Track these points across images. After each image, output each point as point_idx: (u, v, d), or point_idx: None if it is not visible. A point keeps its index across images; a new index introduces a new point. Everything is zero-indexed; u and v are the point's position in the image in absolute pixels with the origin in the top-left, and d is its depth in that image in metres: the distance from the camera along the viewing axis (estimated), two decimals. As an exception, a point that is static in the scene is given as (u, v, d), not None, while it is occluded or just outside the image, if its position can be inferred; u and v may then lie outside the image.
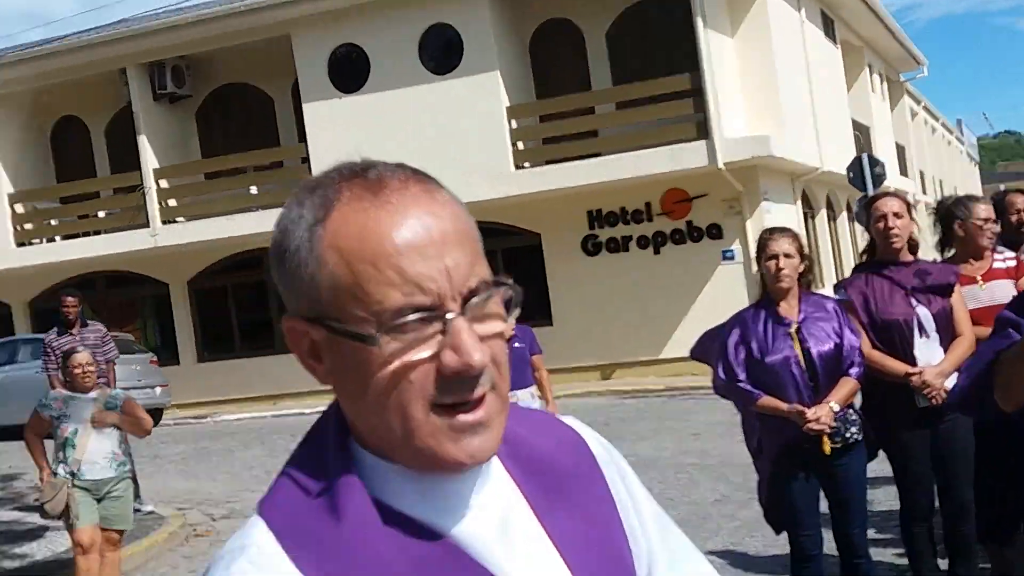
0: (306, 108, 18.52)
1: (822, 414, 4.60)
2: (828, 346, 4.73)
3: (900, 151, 29.19)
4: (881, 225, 5.11)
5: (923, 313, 5.02)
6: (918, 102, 34.57)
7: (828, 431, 4.63)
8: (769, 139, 16.14)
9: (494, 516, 1.11)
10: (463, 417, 1.06)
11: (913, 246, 5.27)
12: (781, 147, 16.57)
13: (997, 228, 5.73)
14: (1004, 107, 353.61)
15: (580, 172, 16.65)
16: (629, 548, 1.19)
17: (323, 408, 1.16)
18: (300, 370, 1.15)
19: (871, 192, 15.39)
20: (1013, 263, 5.64)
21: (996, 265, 5.62)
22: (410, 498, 1.08)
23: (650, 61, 17.34)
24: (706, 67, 16.25)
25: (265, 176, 19.69)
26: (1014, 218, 6.46)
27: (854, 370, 4.76)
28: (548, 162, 17.45)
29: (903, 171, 28.83)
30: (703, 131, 16.26)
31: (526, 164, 17.57)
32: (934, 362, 4.93)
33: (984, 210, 5.59)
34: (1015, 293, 5.46)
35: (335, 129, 17.58)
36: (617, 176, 16.47)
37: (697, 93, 16.34)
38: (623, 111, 17.34)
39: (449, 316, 1.04)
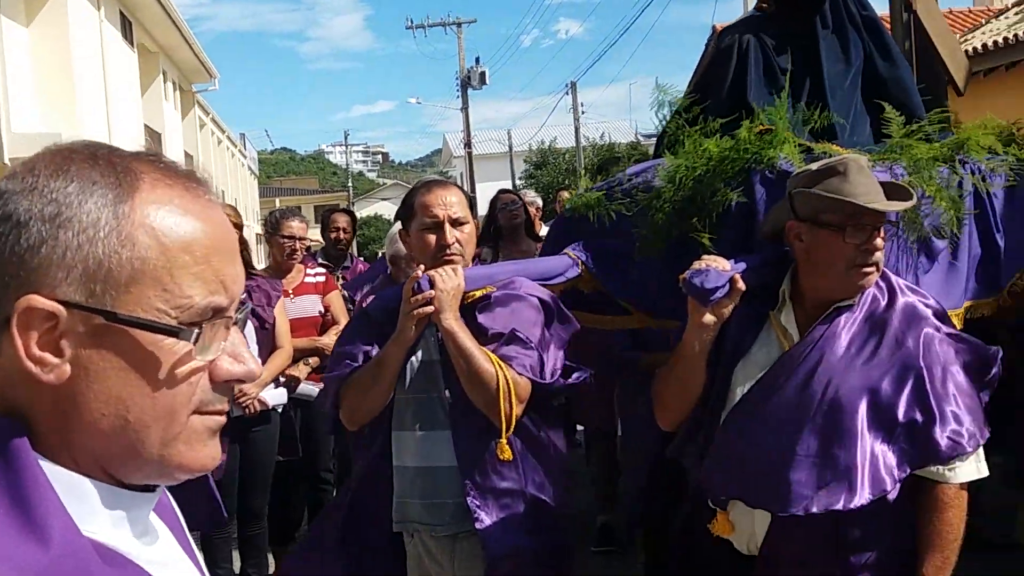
0: None
1: None
2: None
3: (188, 160, 29.75)
4: None
5: (248, 329, 5.16)
6: (207, 113, 35.48)
7: None
8: (61, 136, 15.44)
9: (164, 546, 1.09)
10: (218, 418, 1.04)
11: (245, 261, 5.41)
12: (75, 147, 16.00)
13: (307, 244, 6.09)
14: (283, 124, 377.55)
15: None
16: None
17: None
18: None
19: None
20: (323, 279, 6.06)
21: (307, 280, 5.99)
22: (104, 522, 1.00)
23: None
24: (-3, 56, 15.10)
25: None
26: (333, 235, 7.00)
27: None
28: None
29: (192, 180, 29.44)
30: (-9, 123, 15.09)
31: None
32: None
33: (291, 227, 5.90)
34: (322, 308, 5.98)
35: None
36: None
37: (-14, 82, 15.11)
38: None
39: (232, 322, 1.03)
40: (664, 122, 3.59)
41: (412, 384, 3.14)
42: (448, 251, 3.13)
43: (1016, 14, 16.22)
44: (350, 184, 66.23)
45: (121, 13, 21.58)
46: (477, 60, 40.25)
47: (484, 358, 2.95)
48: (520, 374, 2.96)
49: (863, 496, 2.55)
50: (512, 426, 2.94)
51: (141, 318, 0.95)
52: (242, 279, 1.05)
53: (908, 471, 2.60)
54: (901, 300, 2.74)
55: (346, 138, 73.30)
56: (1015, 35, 14.10)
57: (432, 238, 3.16)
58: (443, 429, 3.08)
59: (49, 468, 0.95)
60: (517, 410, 2.94)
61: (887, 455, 2.58)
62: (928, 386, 2.59)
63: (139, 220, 0.96)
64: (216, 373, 1.02)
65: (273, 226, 5.97)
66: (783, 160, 3.09)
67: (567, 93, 37.47)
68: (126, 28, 22.16)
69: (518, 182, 45.76)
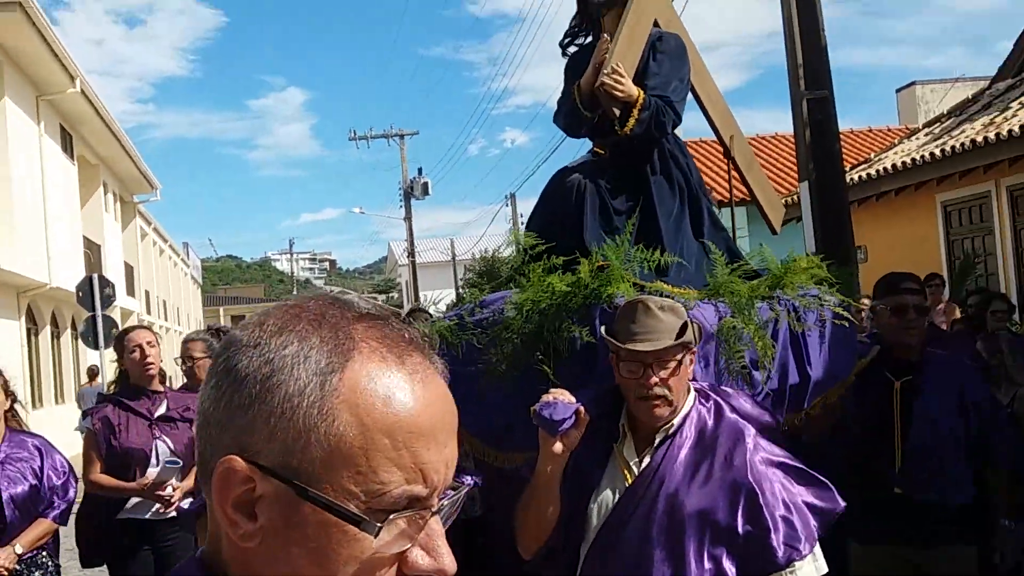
0: None
1: (2, 557, 4.49)
2: (23, 487, 4.62)
3: (129, 270, 29.74)
4: (137, 356, 5.32)
5: (161, 445, 5.25)
6: (149, 223, 35.60)
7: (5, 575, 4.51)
8: (-5, 250, 15.58)
9: None
10: None
11: (162, 375, 5.55)
12: (9, 260, 16.09)
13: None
14: (228, 233, 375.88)
15: None
16: None
17: None
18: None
19: (99, 312, 15.60)
20: None
21: None
22: None
23: None
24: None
25: None
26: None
27: (53, 512, 4.74)
28: None
29: (130, 291, 29.38)
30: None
31: None
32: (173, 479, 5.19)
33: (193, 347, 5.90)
34: None
35: None
36: None
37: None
38: None
39: (431, 513, 0.95)
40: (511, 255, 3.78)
41: None
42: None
43: (926, 135, 17.02)
44: (295, 292, 66.18)
45: (61, 127, 21.83)
46: (420, 171, 40.75)
47: None
48: None
49: None
50: None
51: (326, 499, 0.89)
52: (452, 465, 0.97)
53: None
54: (726, 419, 2.99)
55: (291, 245, 73.71)
56: (922, 156, 14.81)
57: None
58: None
59: None
60: None
61: (730, 569, 2.81)
62: (760, 499, 2.83)
63: (345, 395, 0.91)
64: (405, 565, 0.93)
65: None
66: (620, 297, 3.32)
67: (506, 205, 38.14)
68: (66, 141, 22.39)
69: (461, 291, 45.95)
